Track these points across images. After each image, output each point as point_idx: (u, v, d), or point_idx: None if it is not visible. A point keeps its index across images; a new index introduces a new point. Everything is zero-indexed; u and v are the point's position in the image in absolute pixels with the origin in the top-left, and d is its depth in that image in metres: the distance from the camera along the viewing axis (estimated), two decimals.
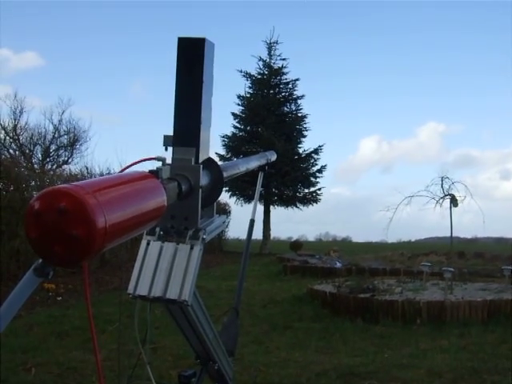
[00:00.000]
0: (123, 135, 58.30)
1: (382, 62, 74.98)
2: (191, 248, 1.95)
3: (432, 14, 69.29)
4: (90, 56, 59.44)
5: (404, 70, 71.11)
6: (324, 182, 39.14)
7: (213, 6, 61.46)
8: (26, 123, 30.45)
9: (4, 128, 29.90)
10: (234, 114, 29.03)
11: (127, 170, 1.73)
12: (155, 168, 1.66)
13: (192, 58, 1.97)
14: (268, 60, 29.30)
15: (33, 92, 68.76)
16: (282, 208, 29.51)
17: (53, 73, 59.25)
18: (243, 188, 27.34)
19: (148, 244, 1.99)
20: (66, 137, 31.47)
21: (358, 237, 59.08)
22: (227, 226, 26.25)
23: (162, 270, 1.94)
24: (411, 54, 70.50)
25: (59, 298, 10.76)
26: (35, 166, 27.04)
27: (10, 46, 63.58)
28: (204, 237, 1.98)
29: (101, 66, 60.53)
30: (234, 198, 28.91)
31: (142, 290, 1.92)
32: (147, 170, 1.60)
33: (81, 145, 31.59)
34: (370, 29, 74.25)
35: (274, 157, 3.41)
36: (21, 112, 30.08)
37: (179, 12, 60.09)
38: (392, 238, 42.34)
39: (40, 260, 1.33)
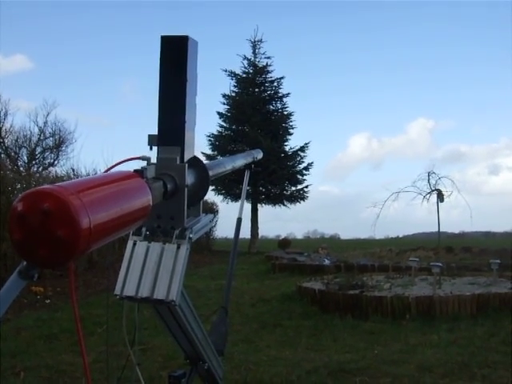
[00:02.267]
0: (112, 136, 58.24)
1: (369, 57, 75.11)
2: (178, 248, 1.94)
3: (419, 8, 69.33)
4: (79, 58, 59.32)
5: (392, 65, 71.22)
6: (312, 180, 39.17)
7: (197, 6, 61.52)
8: (10, 126, 30.24)
9: None
10: (219, 113, 28.97)
11: (112, 170, 1.71)
12: (140, 167, 1.65)
13: (175, 56, 1.95)
14: (253, 58, 29.26)
15: (22, 95, 68.49)
16: (270, 206, 29.50)
17: (42, 75, 59.00)
18: (230, 186, 27.32)
19: (134, 244, 1.97)
20: (51, 139, 31.28)
21: (347, 234, 59.20)
22: (215, 226, 26.24)
23: (149, 270, 1.92)
24: (399, 50, 70.63)
25: (47, 301, 10.71)
26: (21, 168, 26.87)
27: None
28: (191, 236, 1.97)
29: (90, 68, 60.46)
30: (221, 197, 28.90)
31: (129, 291, 1.90)
32: (132, 170, 1.58)
33: (66, 147, 31.37)
34: (356, 25, 74.42)
35: (260, 155, 3.41)
36: (5, 115, 29.86)
37: (165, 12, 60.02)
38: (380, 235, 42.51)
39: (24, 262, 1.32)
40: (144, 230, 1.97)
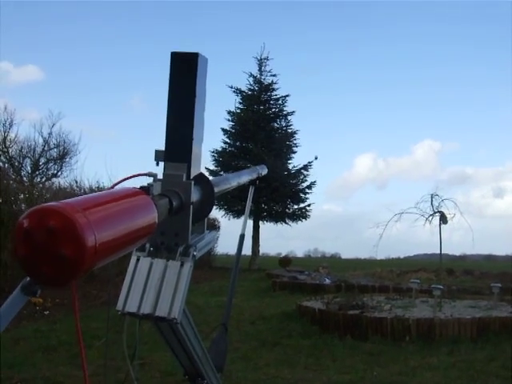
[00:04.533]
0: (118, 149, 58.24)
1: (376, 76, 75.12)
2: (181, 265, 1.93)
3: (428, 26, 69.51)
4: (89, 70, 59.80)
5: (400, 85, 71.05)
6: (316, 198, 39.18)
7: (207, 21, 61.99)
8: (15, 136, 30.35)
9: None
10: (224, 129, 29.06)
11: (118, 186, 1.71)
12: (146, 184, 1.64)
13: (185, 72, 1.96)
14: (258, 76, 29.38)
15: (32, 105, 68.77)
16: (272, 224, 29.51)
17: (52, 86, 59.30)
18: (232, 203, 27.32)
19: (138, 260, 1.96)
20: (55, 150, 31.37)
21: (348, 253, 59.13)
22: (217, 242, 26.25)
23: (152, 286, 1.91)
24: (406, 69, 70.68)
25: (46, 313, 10.70)
26: (24, 178, 26.97)
27: (10, 60, 63.79)
28: (195, 253, 1.96)
29: (100, 80, 60.85)
30: (222, 212, 28.90)
31: (131, 307, 1.89)
32: (138, 187, 1.57)
33: (70, 158, 31.47)
34: (362, 42, 74.52)
35: (264, 171, 3.40)
36: (10, 124, 29.96)
37: (174, 26, 60.39)
38: (381, 255, 42.40)
39: (28, 278, 1.31)
40: (148, 246, 1.96)
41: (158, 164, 1.97)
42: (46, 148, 31.12)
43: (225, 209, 28.65)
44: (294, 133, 29.31)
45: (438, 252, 12.59)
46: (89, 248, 1.10)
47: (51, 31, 57.72)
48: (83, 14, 56.62)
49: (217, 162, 28.77)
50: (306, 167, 29.00)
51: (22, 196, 14.10)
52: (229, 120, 29.26)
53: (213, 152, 28.70)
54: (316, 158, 28.88)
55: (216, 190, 2.15)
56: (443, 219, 12.04)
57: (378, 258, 33.01)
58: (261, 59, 29.26)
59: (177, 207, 1.81)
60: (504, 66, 67.18)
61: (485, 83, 71.43)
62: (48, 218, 1.09)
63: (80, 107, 56.04)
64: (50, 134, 31.10)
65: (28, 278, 1.32)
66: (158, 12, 61.49)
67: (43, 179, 29.54)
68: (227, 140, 29.17)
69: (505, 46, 65.61)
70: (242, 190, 3.25)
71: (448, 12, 68.26)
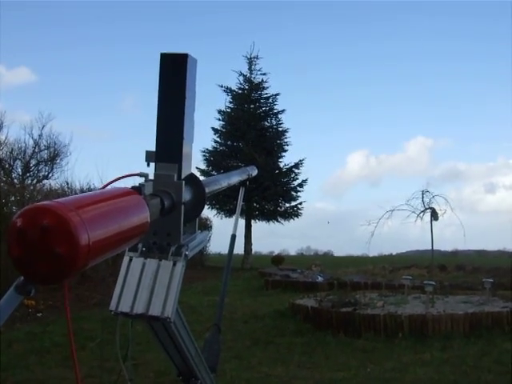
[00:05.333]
0: (111, 150, 58.06)
1: (369, 73, 74.88)
2: (174, 264, 1.94)
3: (418, 23, 69.41)
4: (81, 72, 59.42)
5: (392, 81, 70.97)
6: (309, 197, 39.21)
7: (197, 21, 61.94)
8: (5, 138, 30.22)
9: None
10: (214, 128, 29.05)
11: (110, 186, 1.72)
12: (138, 184, 1.65)
13: (174, 73, 1.97)
14: (248, 75, 29.38)
15: (24, 107, 68.53)
16: (264, 222, 29.50)
17: (44, 88, 59.20)
18: (224, 202, 27.32)
19: (130, 260, 1.97)
20: (46, 151, 31.26)
21: (340, 251, 59.04)
22: (209, 241, 26.18)
23: (145, 286, 1.92)
24: (398, 65, 70.49)
25: (39, 315, 10.67)
26: (15, 180, 26.86)
27: (2, 62, 63.61)
28: (187, 253, 1.96)
29: (93, 82, 60.63)
30: (214, 211, 28.88)
31: (125, 307, 1.90)
32: (130, 187, 1.58)
33: (61, 160, 31.34)
34: (353, 39, 74.29)
35: (255, 172, 3.41)
36: (0, 127, 29.84)
37: (164, 27, 60.30)
38: (373, 252, 42.45)
39: (22, 277, 1.32)
40: (140, 246, 1.96)
41: (148, 165, 1.98)
42: (36, 150, 31.01)
43: (217, 208, 28.66)
44: (285, 131, 29.35)
45: (430, 248, 12.63)
46: (82, 246, 1.12)
47: (44, 33, 57.64)
48: (76, 16, 56.52)
49: (208, 161, 28.74)
50: (297, 165, 29.04)
51: (12, 198, 14.06)
52: (219, 119, 29.29)
53: (204, 151, 28.74)
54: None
55: (207, 190, 2.16)
56: (434, 215, 12.09)
57: (371, 255, 33.17)
58: (250, 58, 29.29)
59: (168, 207, 1.82)
60: (496, 60, 67.16)
61: (477, 79, 71.28)
62: (42, 216, 1.10)
63: (72, 109, 55.74)
64: (40, 135, 31.00)
65: (22, 278, 1.32)
66: (150, 13, 61.47)
67: (34, 181, 29.41)
68: (218, 139, 29.18)
69: (496, 41, 65.45)
70: (234, 189, 3.27)
71: (440, 6, 68.30)
